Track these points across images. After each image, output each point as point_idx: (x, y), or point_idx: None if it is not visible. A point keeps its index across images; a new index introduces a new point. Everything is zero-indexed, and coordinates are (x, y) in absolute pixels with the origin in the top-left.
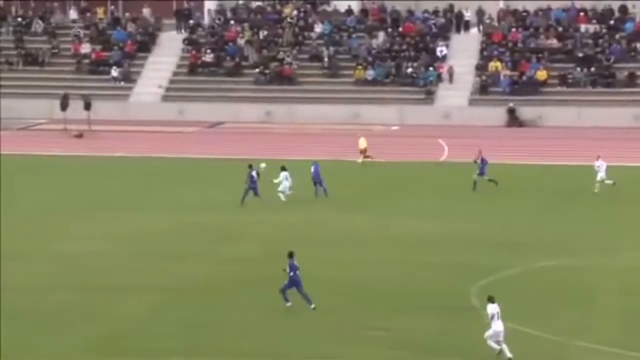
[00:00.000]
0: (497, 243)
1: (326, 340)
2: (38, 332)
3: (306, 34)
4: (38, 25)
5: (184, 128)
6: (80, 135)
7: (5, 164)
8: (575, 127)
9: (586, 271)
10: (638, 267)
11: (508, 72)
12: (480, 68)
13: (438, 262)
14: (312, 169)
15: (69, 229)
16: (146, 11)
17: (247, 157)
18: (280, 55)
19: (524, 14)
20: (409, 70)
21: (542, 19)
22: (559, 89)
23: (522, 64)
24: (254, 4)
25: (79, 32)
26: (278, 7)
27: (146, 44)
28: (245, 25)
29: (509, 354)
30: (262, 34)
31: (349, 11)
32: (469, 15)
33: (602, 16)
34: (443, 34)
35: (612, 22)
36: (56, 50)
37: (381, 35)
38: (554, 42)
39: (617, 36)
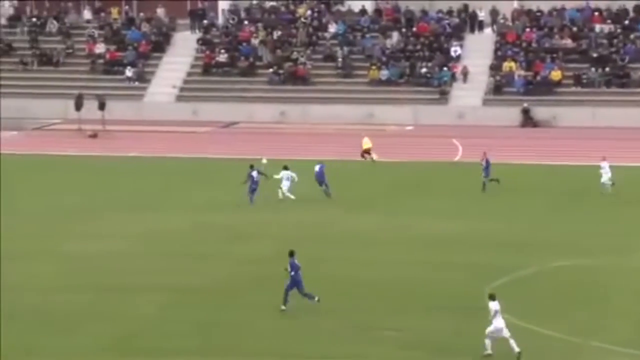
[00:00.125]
0: (511, 243)
1: (339, 341)
2: (49, 332)
3: (320, 34)
4: (52, 26)
5: (198, 128)
6: (94, 135)
7: (19, 163)
8: (589, 128)
9: (601, 271)
10: None
11: (522, 72)
12: (495, 68)
13: (452, 262)
14: (317, 169)
15: (81, 228)
16: (160, 11)
17: (261, 157)
18: (294, 55)
19: (538, 13)
20: (423, 70)
21: (556, 19)
22: (573, 89)
23: (536, 64)
24: (268, 4)
25: (93, 32)
26: (292, 7)
27: (160, 44)
28: (259, 25)
29: (517, 349)
30: (276, 34)
31: (363, 11)
32: (483, 15)
33: (617, 16)
34: (457, 34)
35: (626, 22)
36: (71, 51)
37: (395, 35)
38: (568, 42)
39: (631, 36)
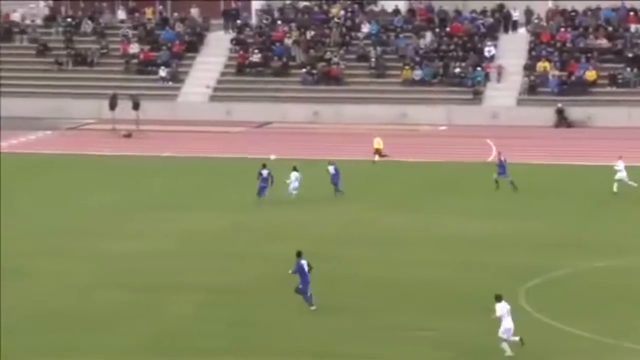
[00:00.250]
0: (545, 243)
1: (372, 340)
2: (88, 331)
3: (353, 34)
4: (87, 26)
5: (232, 128)
6: (128, 135)
7: (53, 163)
8: (625, 128)
9: (634, 272)
10: None
11: (557, 72)
12: (529, 68)
13: (485, 263)
14: (332, 170)
15: (117, 228)
16: (194, 11)
17: (295, 157)
18: (328, 55)
19: (573, 13)
20: (457, 70)
21: (591, 19)
22: (608, 89)
23: (571, 64)
24: (302, 4)
25: (127, 32)
26: (325, 7)
27: (194, 44)
28: (293, 25)
29: (516, 338)
30: (310, 34)
31: (396, 11)
32: (517, 15)
33: None
34: (491, 33)
35: None
36: (105, 51)
37: (428, 35)
38: (603, 42)
39: None
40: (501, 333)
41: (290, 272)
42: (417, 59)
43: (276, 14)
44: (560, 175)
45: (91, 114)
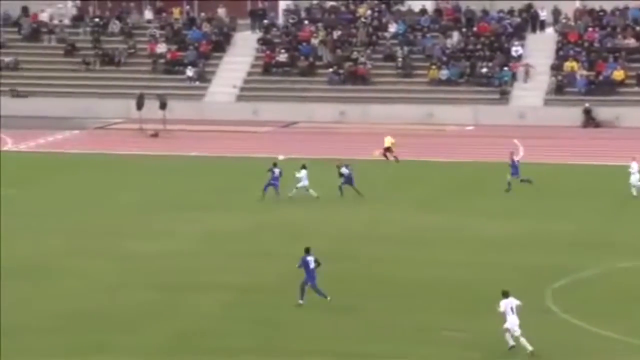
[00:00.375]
0: (571, 244)
1: (398, 340)
2: (115, 330)
3: (380, 33)
4: (115, 26)
5: (258, 128)
6: (155, 135)
7: (81, 162)
8: None
9: None
10: None
11: (584, 72)
12: (556, 68)
13: (512, 263)
14: (346, 171)
15: (144, 227)
16: (221, 11)
17: (321, 156)
18: (354, 55)
19: (601, 13)
20: (484, 70)
21: (619, 19)
22: (636, 89)
23: (598, 64)
24: (328, 4)
25: (154, 32)
26: (352, 6)
27: (221, 43)
28: (319, 25)
29: (530, 347)
30: (336, 33)
31: (423, 11)
32: (544, 14)
33: None
34: (518, 33)
35: None
36: (132, 50)
37: (455, 35)
38: (631, 42)
39: None
40: (505, 328)
41: (297, 266)
42: (444, 58)
43: (303, 14)
44: (587, 176)
45: (118, 113)
